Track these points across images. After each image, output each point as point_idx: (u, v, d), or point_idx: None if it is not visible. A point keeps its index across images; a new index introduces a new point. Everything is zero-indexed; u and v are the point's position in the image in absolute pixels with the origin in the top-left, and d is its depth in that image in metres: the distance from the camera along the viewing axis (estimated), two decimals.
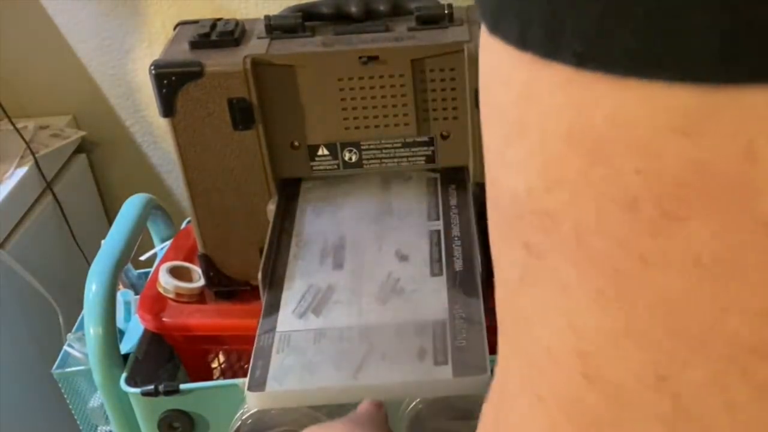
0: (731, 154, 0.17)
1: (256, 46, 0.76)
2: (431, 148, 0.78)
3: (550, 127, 0.20)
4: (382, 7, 0.80)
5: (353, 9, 0.80)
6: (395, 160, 0.79)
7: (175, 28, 0.82)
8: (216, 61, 0.74)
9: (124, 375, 0.78)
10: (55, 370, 0.87)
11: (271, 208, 0.79)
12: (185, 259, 0.89)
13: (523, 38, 0.20)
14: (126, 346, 0.82)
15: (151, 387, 0.75)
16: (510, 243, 0.22)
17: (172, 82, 0.73)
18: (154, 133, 1.42)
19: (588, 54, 0.18)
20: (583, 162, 0.19)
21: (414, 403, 0.61)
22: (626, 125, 0.18)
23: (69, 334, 0.90)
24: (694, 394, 0.20)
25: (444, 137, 0.78)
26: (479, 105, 0.24)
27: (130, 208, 0.93)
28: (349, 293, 0.70)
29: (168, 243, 0.96)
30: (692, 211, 0.18)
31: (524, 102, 0.20)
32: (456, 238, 0.74)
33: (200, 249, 0.82)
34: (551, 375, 0.22)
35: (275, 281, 0.72)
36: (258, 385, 0.62)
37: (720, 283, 0.19)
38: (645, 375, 0.20)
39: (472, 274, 0.70)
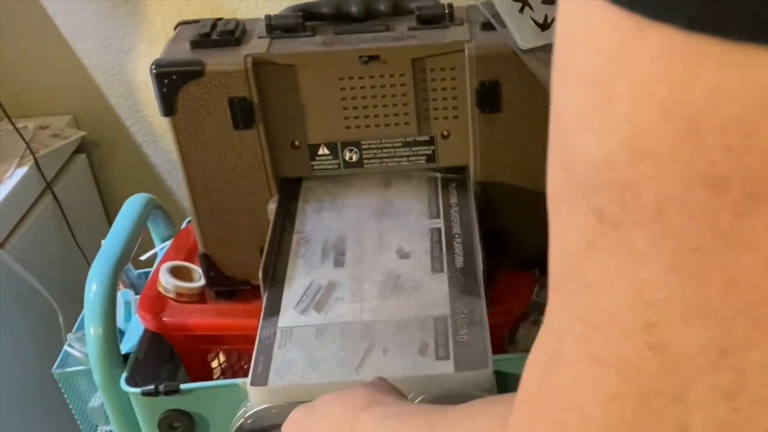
0: None
1: (257, 45, 0.76)
2: (432, 147, 0.78)
3: (644, 96, 0.19)
4: (382, 7, 0.81)
5: (354, 8, 0.80)
6: (396, 159, 0.79)
7: (175, 28, 0.82)
8: (217, 61, 0.74)
9: (124, 375, 0.78)
10: (55, 370, 0.87)
11: (272, 207, 0.79)
12: (185, 259, 0.89)
13: None
14: (126, 346, 0.82)
15: (152, 387, 0.75)
16: (579, 209, 0.22)
17: (172, 81, 0.73)
18: (154, 133, 1.42)
19: (703, 17, 0.18)
20: (675, 136, 0.19)
21: (417, 400, 0.61)
22: (725, 101, 0.18)
23: (69, 334, 0.89)
24: (755, 371, 0.20)
25: (444, 136, 0.78)
26: (553, 64, 0.23)
27: (130, 208, 0.93)
28: (351, 290, 0.70)
29: (168, 243, 0.96)
30: None
31: (617, 67, 0.20)
32: (456, 236, 0.74)
33: (200, 249, 0.82)
34: (614, 342, 0.22)
35: (276, 279, 0.72)
36: (260, 380, 0.62)
37: None
38: (710, 349, 0.20)
39: (473, 271, 0.70)
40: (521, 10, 0.59)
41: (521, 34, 0.60)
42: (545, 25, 0.59)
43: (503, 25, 0.62)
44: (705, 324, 0.20)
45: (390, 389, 0.49)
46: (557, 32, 0.22)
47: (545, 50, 0.60)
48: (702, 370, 0.21)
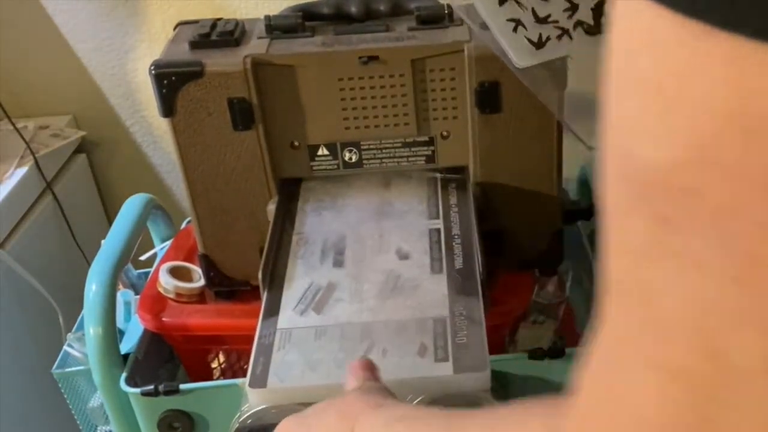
0: None
1: (257, 46, 0.76)
2: (431, 147, 0.78)
3: (709, 103, 0.19)
4: (382, 7, 0.81)
5: (353, 9, 0.80)
6: (395, 159, 0.79)
7: (175, 28, 0.82)
8: (216, 61, 0.74)
9: (124, 375, 0.78)
10: (55, 370, 0.87)
11: (271, 208, 0.79)
12: (185, 259, 0.89)
13: (694, 5, 0.19)
14: (126, 346, 0.82)
15: (151, 387, 0.75)
16: (638, 213, 0.22)
17: (172, 82, 0.73)
18: (154, 133, 1.42)
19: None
20: (740, 143, 0.19)
21: (416, 402, 0.61)
22: None
23: (69, 334, 0.90)
24: None
25: (444, 137, 0.78)
26: (607, 69, 0.23)
27: (130, 208, 0.93)
28: (350, 291, 0.70)
29: (168, 243, 0.96)
30: None
31: (680, 75, 0.20)
32: (456, 237, 0.74)
33: (200, 249, 0.82)
34: (671, 348, 0.22)
35: (276, 280, 0.72)
36: (259, 381, 0.62)
37: None
38: (766, 359, 0.20)
39: (472, 273, 0.70)
40: (515, 29, 0.59)
41: (516, 53, 0.60)
42: (539, 44, 0.59)
43: (485, 27, 0.62)
44: (760, 333, 0.20)
45: (384, 391, 0.49)
46: (610, 38, 0.22)
47: (540, 67, 0.60)
48: (756, 379, 0.21)
